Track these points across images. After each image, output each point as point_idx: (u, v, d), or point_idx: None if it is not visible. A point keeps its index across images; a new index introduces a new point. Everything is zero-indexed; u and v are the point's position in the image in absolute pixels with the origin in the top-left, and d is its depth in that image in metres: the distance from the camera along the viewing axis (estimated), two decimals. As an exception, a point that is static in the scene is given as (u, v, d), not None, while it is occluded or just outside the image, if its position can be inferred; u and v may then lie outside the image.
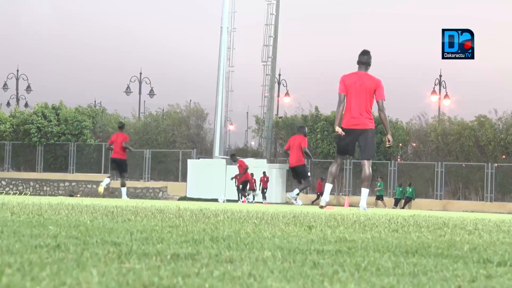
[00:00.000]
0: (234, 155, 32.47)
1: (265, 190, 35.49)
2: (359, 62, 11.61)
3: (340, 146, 11.74)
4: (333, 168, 11.75)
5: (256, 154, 42.43)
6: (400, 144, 39.57)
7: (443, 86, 45.54)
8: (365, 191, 11.69)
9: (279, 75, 50.52)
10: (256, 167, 35.90)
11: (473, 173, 37.65)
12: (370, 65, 11.69)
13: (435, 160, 37.77)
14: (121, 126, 22.50)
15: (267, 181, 35.99)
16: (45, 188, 41.85)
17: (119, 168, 22.20)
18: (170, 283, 2.13)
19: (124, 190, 22.29)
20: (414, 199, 36.98)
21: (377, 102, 11.47)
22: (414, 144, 40.33)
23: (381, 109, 11.58)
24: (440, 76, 45.48)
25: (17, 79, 57.30)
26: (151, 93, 53.66)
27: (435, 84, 45.60)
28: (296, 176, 20.26)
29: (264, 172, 35.82)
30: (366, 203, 11.78)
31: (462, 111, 55.48)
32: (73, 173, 42.51)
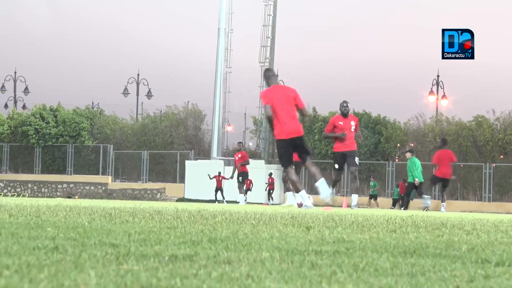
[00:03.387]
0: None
1: (271, 191, 35.53)
2: (272, 76, 12.24)
3: (287, 156, 12.02)
4: (291, 176, 12.07)
5: (254, 155, 42.44)
6: (398, 145, 39.57)
7: (440, 87, 45.56)
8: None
9: (277, 76, 50.51)
10: (254, 168, 35.92)
11: (471, 173, 37.66)
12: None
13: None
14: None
15: (273, 182, 36.04)
16: (43, 189, 41.83)
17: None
18: (168, 284, 2.13)
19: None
20: (412, 200, 36.99)
21: (301, 109, 12.01)
22: (412, 145, 40.32)
23: (306, 115, 12.46)
24: (438, 76, 45.51)
25: (15, 81, 57.28)
26: (149, 95, 53.66)
27: (432, 85, 45.61)
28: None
29: (270, 173, 35.85)
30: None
31: (460, 111, 55.42)
32: (71, 174, 42.50)
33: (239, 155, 24.06)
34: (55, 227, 4.35)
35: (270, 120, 11.86)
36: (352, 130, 16.66)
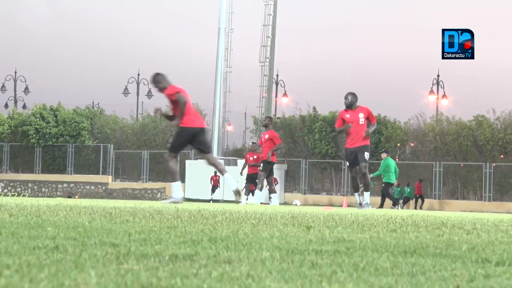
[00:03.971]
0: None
1: None
2: (166, 78, 12.80)
3: (180, 144, 13.06)
4: (172, 164, 12.96)
5: (254, 155, 42.40)
6: (398, 144, 39.57)
7: (441, 86, 45.60)
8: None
9: (277, 75, 50.55)
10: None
11: (471, 172, 37.67)
12: None
13: (433, 160, 37.78)
14: None
15: (275, 182, 36.07)
16: (43, 189, 41.83)
17: None
18: (168, 284, 2.13)
19: None
20: (412, 199, 37.00)
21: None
22: (412, 144, 40.33)
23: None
24: (438, 76, 45.54)
25: (15, 81, 57.31)
26: (149, 94, 53.70)
27: (433, 84, 45.66)
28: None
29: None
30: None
31: (460, 111, 55.44)
32: (71, 174, 42.50)
33: (254, 156, 23.76)
34: (56, 226, 4.35)
35: (183, 107, 12.59)
36: (361, 123, 15.60)
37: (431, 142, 38.74)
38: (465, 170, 37.94)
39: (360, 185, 16.08)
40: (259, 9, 39.76)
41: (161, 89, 12.59)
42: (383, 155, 25.57)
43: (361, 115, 15.63)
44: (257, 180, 19.93)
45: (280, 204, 19.70)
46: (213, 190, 34.88)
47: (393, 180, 25.20)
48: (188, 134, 12.85)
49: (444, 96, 45.91)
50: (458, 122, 38.77)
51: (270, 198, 20.22)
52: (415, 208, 35.74)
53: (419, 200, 36.87)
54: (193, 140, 12.91)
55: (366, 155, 15.71)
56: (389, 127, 38.99)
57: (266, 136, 19.96)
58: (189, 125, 12.76)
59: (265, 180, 20.12)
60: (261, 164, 19.94)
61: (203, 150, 13.09)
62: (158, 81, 12.61)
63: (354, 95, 15.82)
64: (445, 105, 46.05)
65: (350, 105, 15.71)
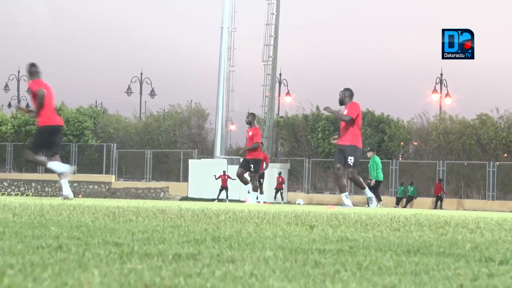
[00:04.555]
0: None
1: (280, 191, 35.84)
2: (39, 72, 13.22)
3: (47, 144, 13.61)
4: (31, 157, 13.85)
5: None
6: (402, 143, 39.54)
7: (444, 85, 45.56)
8: None
9: (280, 74, 50.55)
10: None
11: (474, 171, 37.63)
12: None
13: (437, 159, 37.75)
14: None
15: (282, 182, 36.29)
16: (46, 189, 41.86)
17: None
18: (171, 283, 2.13)
19: None
20: (415, 198, 36.95)
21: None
22: (416, 143, 40.30)
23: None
24: (441, 74, 45.49)
25: (18, 80, 57.39)
26: (152, 94, 53.76)
27: (436, 83, 45.62)
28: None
29: (279, 173, 36.16)
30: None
31: (463, 110, 55.65)
32: (74, 173, 42.50)
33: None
34: (59, 226, 4.36)
35: (42, 103, 12.96)
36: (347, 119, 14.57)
37: (434, 141, 38.70)
38: (468, 169, 37.91)
39: (346, 186, 15.51)
40: (262, 8, 39.82)
41: (30, 79, 13.16)
42: (369, 154, 25.62)
43: (345, 112, 14.73)
44: (255, 182, 19.50)
45: (257, 202, 19.39)
46: (221, 191, 34.79)
47: (381, 177, 25.25)
48: (49, 131, 13.39)
49: (447, 95, 45.88)
50: (462, 121, 38.73)
51: (248, 192, 19.71)
52: (435, 207, 35.41)
53: (403, 199, 36.77)
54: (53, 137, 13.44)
55: (350, 160, 14.49)
56: (392, 126, 38.96)
57: (250, 133, 19.68)
58: (47, 123, 13.27)
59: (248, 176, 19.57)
60: (251, 165, 19.35)
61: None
62: (30, 72, 13.15)
63: (345, 91, 14.89)
64: (449, 104, 46.04)
65: (341, 102, 14.99)
